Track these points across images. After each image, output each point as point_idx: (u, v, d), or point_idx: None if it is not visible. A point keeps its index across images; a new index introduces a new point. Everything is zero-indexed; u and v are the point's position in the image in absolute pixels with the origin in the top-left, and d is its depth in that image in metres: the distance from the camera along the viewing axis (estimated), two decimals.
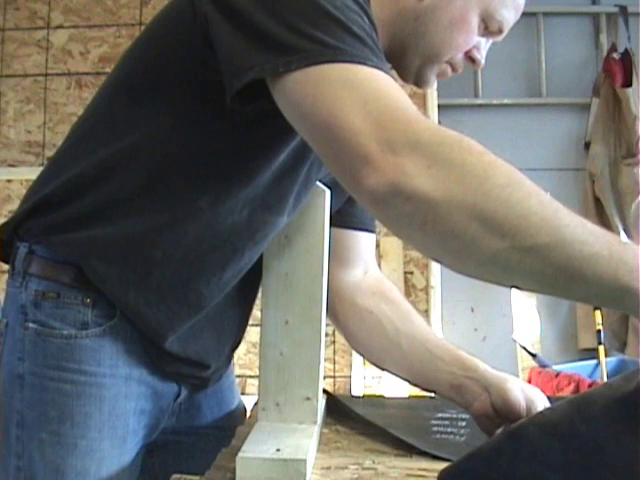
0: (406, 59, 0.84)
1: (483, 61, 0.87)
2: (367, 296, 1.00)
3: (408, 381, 0.98)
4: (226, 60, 0.69)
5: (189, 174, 0.79)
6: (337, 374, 3.01)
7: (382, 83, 0.64)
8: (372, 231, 1.06)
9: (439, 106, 2.99)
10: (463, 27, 0.82)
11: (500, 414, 0.86)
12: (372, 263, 1.06)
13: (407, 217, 0.59)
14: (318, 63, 0.63)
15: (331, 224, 0.92)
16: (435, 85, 2.86)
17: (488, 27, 0.84)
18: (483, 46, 0.87)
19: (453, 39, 0.83)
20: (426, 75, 0.85)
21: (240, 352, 2.79)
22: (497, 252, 0.57)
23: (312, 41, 0.64)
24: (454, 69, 0.86)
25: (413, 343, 0.95)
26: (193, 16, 0.73)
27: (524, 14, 0.87)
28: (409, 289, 3.09)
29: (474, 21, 0.82)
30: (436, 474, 0.75)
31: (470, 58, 0.86)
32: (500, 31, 0.85)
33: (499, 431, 0.81)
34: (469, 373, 0.90)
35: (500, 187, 0.57)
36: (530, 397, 0.86)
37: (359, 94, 0.62)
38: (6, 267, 0.87)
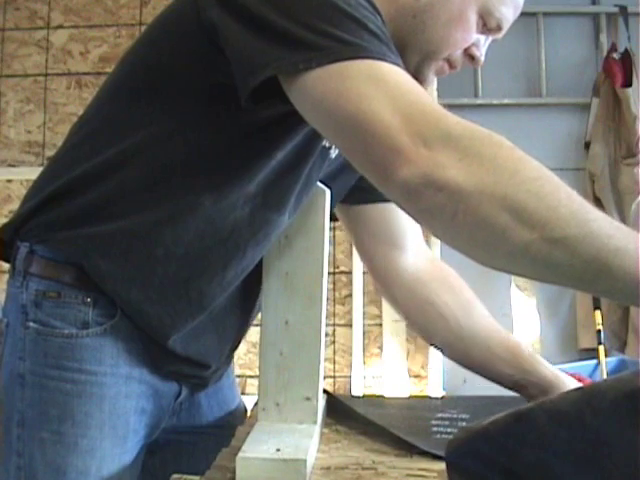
0: (404, 57, 0.84)
1: (483, 58, 0.87)
2: (427, 284, 1.02)
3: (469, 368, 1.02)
4: (239, 60, 0.69)
5: (191, 172, 0.80)
6: (337, 374, 3.00)
7: (404, 78, 0.65)
8: None
9: None
10: (461, 24, 0.82)
11: None
12: (419, 239, 1.06)
13: (438, 208, 0.60)
14: (340, 60, 0.64)
15: (353, 202, 0.92)
16: (435, 85, 2.86)
17: (487, 24, 0.83)
18: (482, 43, 0.86)
19: (451, 36, 0.82)
20: (424, 72, 0.85)
21: (240, 352, 2.79)
22: (527, 243, 0.57)
23: (331, 39, 0.65)
24: (452, 66, 0.86)
25: (475, 341, 0.99)
26: (197, 20, 0.73)
27: (524, 14, 0.86)
28: None
29: (472, 18, 0.82)
30: (436, 474, 0.75)
31: (469, 55, 0.86)
32: (499, 28, 0.84)
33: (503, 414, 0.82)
34: (527, 376, 0.95)
35: (531, 180, 0.58)
36: None
37: (385, 89, 0.63)
38: (6, 267, 0.87)
